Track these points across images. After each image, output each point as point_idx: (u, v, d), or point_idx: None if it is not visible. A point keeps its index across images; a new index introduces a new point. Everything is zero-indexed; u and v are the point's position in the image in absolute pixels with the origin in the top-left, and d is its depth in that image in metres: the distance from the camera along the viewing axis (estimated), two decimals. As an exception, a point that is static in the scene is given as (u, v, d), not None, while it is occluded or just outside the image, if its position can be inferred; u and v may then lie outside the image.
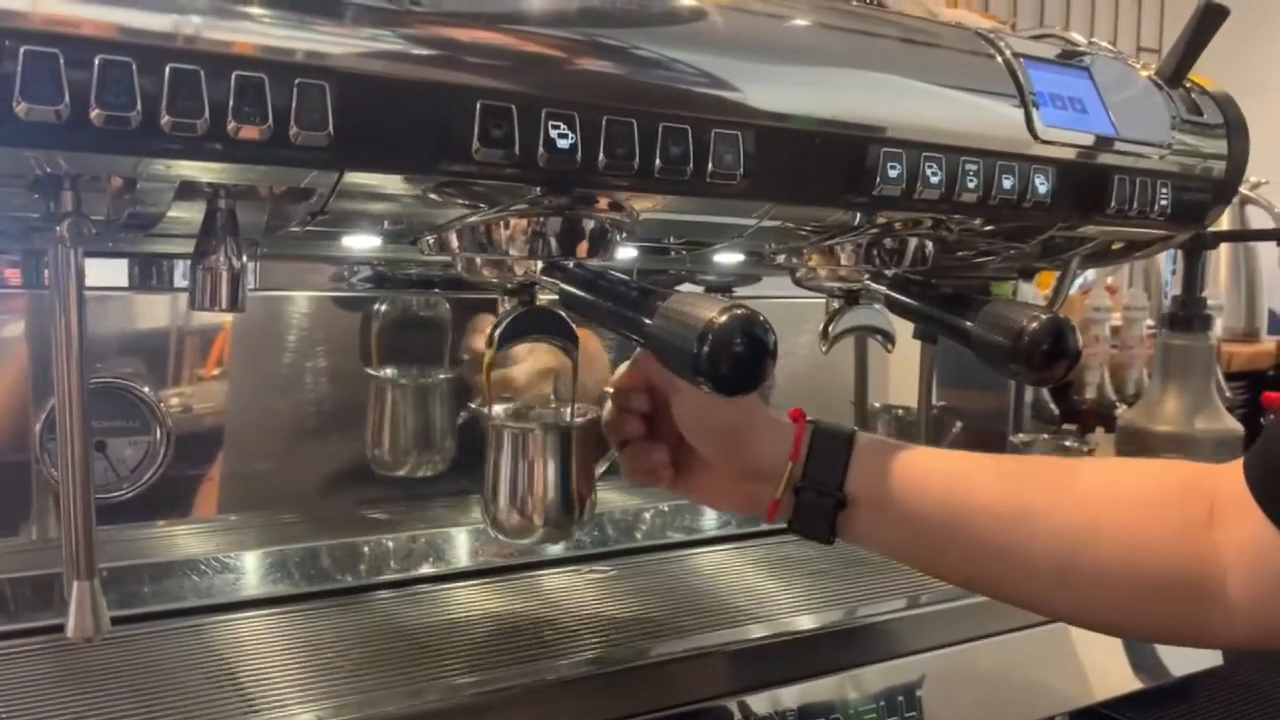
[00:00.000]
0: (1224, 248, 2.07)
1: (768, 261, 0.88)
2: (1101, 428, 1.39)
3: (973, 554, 0.68)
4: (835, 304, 0.89)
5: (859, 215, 0.77)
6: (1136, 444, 1.21)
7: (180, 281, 0.82)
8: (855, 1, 0.80)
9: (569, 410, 0.80)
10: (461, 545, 0.93)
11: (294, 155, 0.52)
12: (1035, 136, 0.78)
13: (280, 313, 0.88)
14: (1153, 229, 0.90)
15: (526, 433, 0.76)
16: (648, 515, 1.04)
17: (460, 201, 0.65)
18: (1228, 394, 1.56)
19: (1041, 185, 0.78)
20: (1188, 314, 1.22)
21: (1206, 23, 0.85)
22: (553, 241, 0.66)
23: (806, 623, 0.82)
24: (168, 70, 0.48)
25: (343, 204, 0.61)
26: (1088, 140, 0.81)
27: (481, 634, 0.78)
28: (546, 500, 0.76)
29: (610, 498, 1.01)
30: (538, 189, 0.62)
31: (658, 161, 0.61)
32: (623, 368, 0.79)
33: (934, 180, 0.72)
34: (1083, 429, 1.39)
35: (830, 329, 0.89)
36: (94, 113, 0.47)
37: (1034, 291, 1.22)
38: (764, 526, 1.01)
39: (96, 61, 0.46)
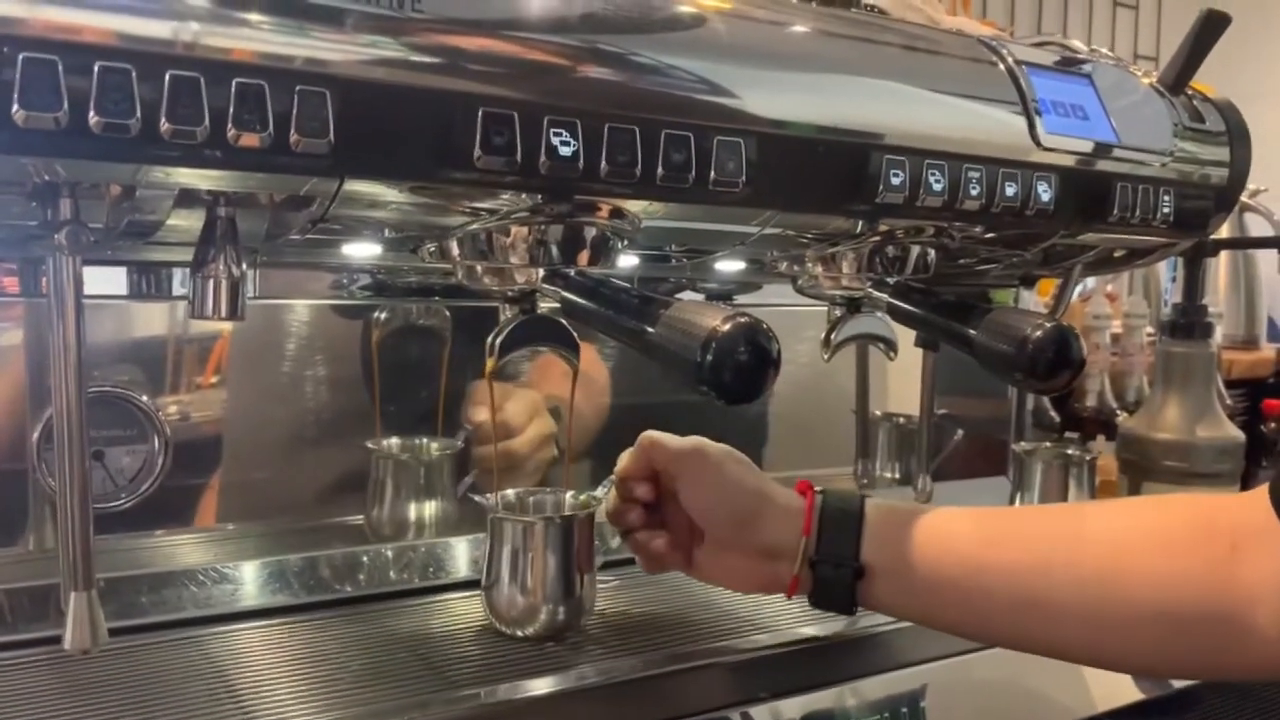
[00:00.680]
0: (1223, 255, 2.06)
1: (769, 269, 0.88)
2: (1102, 435, 1.38)
3: (996, 612, 0.68)
4: (837, 312, 0.89)
5: (861, 223, 0.77)
6: (1137, 451, 1.21)
7: (179, 290, 0.81)
8: (857, 9, 0.80)
9: (566, 498, 0.81)
10: (462, 555, 0.92)
11: (294, 163, 0.52)
12: (1038, 144, 0.78)
13: (279, 321, 0.87)
14: (1155, 236, 0.90)
15: (528, 526, 0.77)
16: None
17: (461, 209, 0.65)
18: (1228, 401, 1.55)
19: (1044, 193, 0.78)
20: (1188, 321, 1.21)
21: (1208, 30, 0.85)
22: (554, 249, 0.66)
23: (809, 633, 0.81)
24: (167, 77, 0.47)
25: (343, 211, 0.60)
26: (1090, 148, 0.81)
27: (483, 645, 0.78)
28: (546, 591, 0.76)
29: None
30: (539, 196, 0.62)
31: (660, 169, 0.61)
32: (625, 455, 0.79)
33: (936, 188, 0.72)
34: (1084, 437, 1.38)
35: (832, 337, 0.89)
36: (93, 120, 0.46)
37: (1035, 299, 1.22)
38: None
39: (95, 68, 0.46)
